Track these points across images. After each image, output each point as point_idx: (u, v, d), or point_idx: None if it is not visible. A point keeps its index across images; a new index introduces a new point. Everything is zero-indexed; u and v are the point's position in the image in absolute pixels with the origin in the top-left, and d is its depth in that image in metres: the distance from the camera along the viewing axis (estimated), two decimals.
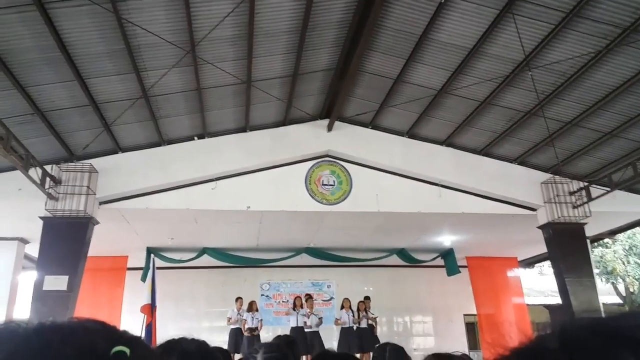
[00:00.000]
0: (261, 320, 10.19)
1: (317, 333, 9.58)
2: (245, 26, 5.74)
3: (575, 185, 8.46)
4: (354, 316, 9.84)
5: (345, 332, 9.74)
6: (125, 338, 0.53)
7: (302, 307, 9.85)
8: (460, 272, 11.18)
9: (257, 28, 5.83)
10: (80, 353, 0.48)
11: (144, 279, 9.94)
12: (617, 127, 7.33)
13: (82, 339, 0.49)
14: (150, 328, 9.58)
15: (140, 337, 0.56)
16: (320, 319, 9.80)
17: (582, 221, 8.28)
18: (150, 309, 9.76)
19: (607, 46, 5.82)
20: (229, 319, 10.00)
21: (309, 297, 10.29)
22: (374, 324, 9.99)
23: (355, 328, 9.75)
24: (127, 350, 0.50)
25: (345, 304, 10.03)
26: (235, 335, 9.80)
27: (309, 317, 9.59)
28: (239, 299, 10.23)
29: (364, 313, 9.92)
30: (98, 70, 5.98)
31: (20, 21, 4.98)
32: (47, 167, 6.99)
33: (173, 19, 5.42)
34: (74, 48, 5.52)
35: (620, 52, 5.91)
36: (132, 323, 9.90)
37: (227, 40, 5.98)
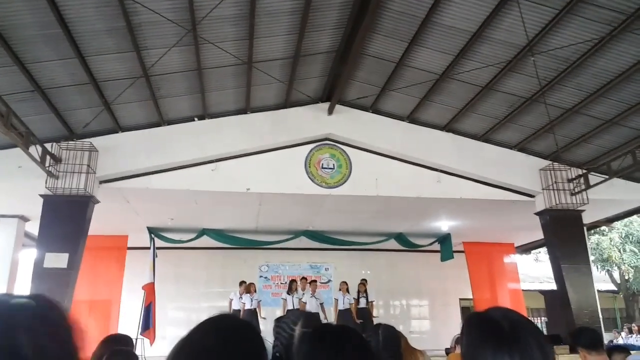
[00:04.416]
0: (260, 301, 10.34)
1: (317, 315, 9.70)
2: (247, 5, 5.68)
3: (574, 172, 8.49)
4: (349, 298, 10.01)
5: (343, 314, 9.89)
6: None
7: (296, 291, 9.96)
8: (453, 257, 11.27)
9: (259, 7, 5.77)
10: None
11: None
12: (617, 115, 7.32)
13: None
14: (150, 308, 9.71)
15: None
16: (322, 304, 9.91)
17: (579, 208, 8.32)
18: (153, 288, 9.89)
19: (611, 32, 5.77)
20: (231, 300, 10.16)
21: (312, 281, 10.40)
22: (371, 304, 10.19)
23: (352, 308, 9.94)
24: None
25: (342, 287, 10.16)
26: None
27: (311, 297, 9.71)
28: (242, 282, 10.30)
29: (363, 294, 10.07)
30: (98, 48, 5.93)
31: None
32: (48, 145, 6.97)
33: None
34: (74, 25, 5.46)
35: (623, 39, 5.86)
36: (131, 302, 10.05)
37: (228, 19, 5.93)
